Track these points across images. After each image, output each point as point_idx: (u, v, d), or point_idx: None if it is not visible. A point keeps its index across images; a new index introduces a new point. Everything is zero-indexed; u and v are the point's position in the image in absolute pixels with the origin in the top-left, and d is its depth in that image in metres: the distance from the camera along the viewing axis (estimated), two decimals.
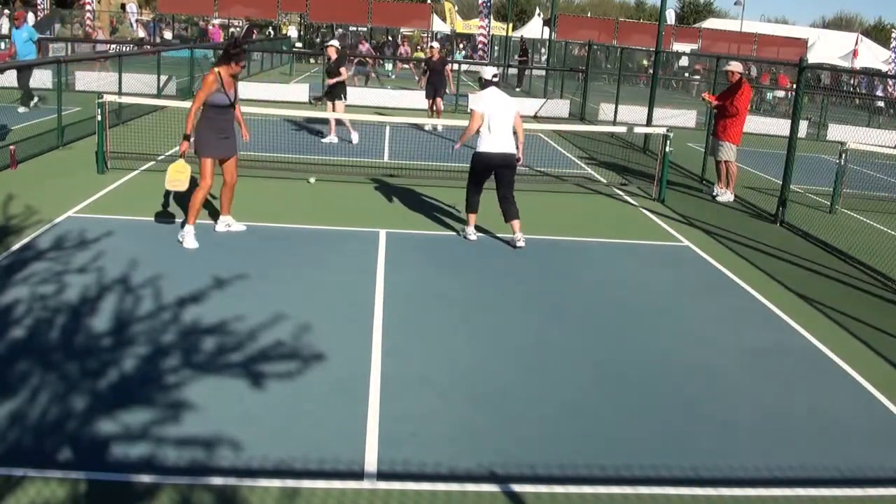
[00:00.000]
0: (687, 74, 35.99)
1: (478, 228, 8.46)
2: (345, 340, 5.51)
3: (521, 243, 8.11)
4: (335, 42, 14.51)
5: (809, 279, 7.92)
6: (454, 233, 8.56)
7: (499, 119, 8.13)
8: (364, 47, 32.22)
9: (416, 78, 15.17)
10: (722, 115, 11.39)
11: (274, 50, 31.83)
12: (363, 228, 8.42)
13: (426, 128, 15.66)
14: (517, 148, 8.25)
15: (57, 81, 12.75)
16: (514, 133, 8.31)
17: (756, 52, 39.17)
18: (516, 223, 8.21)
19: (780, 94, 29.08)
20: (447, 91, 16.58)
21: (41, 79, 17.60)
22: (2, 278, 6.24)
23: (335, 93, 13.58)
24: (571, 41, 33.39)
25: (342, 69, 13.62)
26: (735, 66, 11.53)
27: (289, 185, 10.35)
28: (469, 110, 8.47)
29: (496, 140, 8.13)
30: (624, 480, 4.06)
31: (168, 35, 34.94)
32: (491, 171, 8.24)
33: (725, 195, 11.64)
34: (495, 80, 8.43)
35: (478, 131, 8.21)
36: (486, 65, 11.82)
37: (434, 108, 16.11)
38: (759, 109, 27.65)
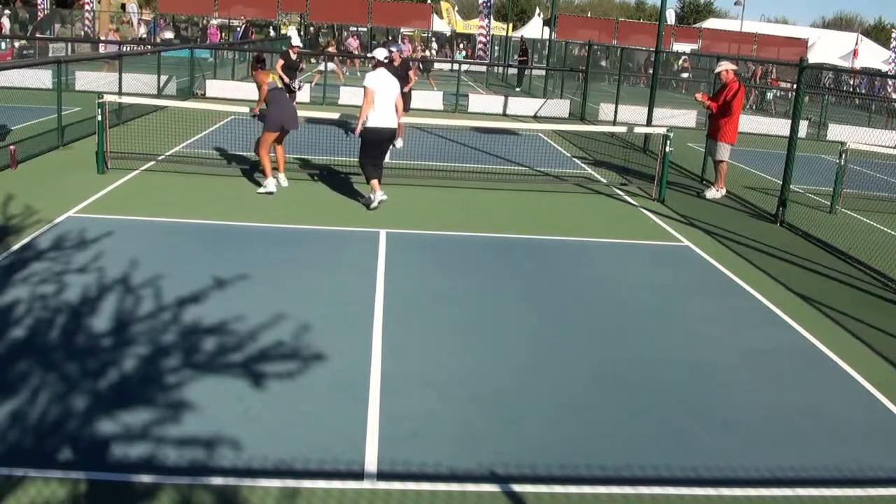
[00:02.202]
0: (680, 72, 35.98)
1: (478, 227, 8.46)
2: (345, 340, 5.51)
3: (375, 204, 9.09)
4: (396, 48, 14.91)
5: (809, 279, 7.92)
6: (455, 233, 8.56)
7: (385, 96, 9.08)
8: (354, 43, 32.30)
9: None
10: (716, 115, 11.38)
11: (274, 50, 31.81)
12: (363, 228, 8.42)
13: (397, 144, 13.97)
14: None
15: (57, 81, 12.75)
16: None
17: (756, 52, 39.19)
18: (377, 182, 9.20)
19: (771, 95, 29.03)
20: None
21: (41, 79, 17.62)
22: (2, 278, 6.24)
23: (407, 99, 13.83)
24: (571, 41, 33.39)
25: (410, 73, 13.86)
26: (727, 66, 11.50)
27: (289, 185, 10.34)
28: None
29: (384, 115, 9.09)
30: (624, 480, 4.07)
31: (170, 35, 34.96)
32: (383, 143, 9.30)
33: (711, 191, 11.64)
34: (385, 60, 9.35)
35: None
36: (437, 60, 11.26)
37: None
38: (761, 109, 27.65)
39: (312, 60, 33.26)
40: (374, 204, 9.10)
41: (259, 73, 10.05)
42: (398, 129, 13.76)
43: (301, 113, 15.10)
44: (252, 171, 10.88)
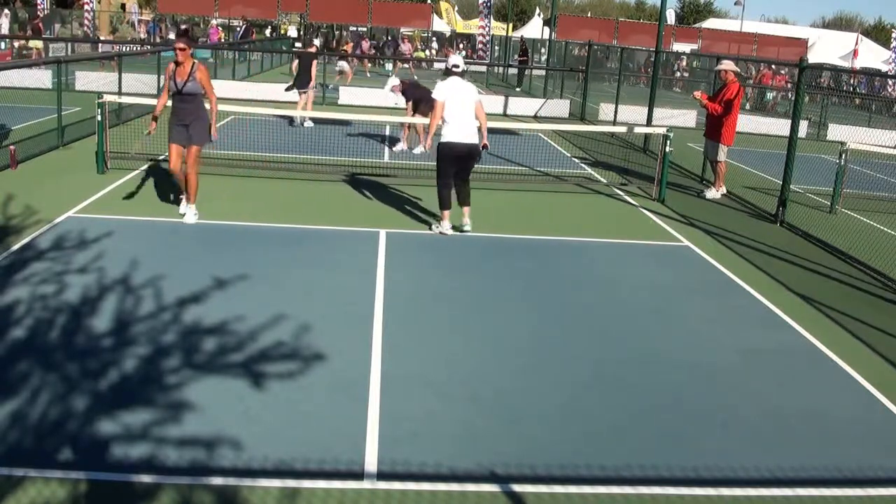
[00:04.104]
0: (680, 72, 36.05)
1: (477, 227, 8.46)
2: (345, 340, 5.51)
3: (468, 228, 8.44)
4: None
5: (809, 279, 7.92)
6: (454, 233, 8.56)
7: (459, 107, 8.28)
8: (366, 44, 32.32)
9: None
10: (714, 115, 11.36)
11: (274, 50, 31.84)
12: (363, 228, 8.42)
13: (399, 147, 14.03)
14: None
15: (57, 81, 12.75)
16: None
17: (756, 52, 39.18)
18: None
19: (770, 95, 29.04)
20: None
21: (41, 79, 17.61)
22: (2, 278, 6.24)
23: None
24: (571, 41, 33.40)
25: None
26: (728, 66, 11.48)
27: (289, 185, 10.35)
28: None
29: (459, 129, 8.27)
30: (624, 480, 4.07)
31: (172, 36, 34.95)
32: (457, 161, 8.39)
33: (711, 191, 11.65)
34: (457, 69, 8.47)
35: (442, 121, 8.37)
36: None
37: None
38: (761, 108, 27.66)
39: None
40: (436, 231, 8.45)
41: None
42: (418, 134, 13.68)
43: (301, 113, 15.16)
44: (252, 170, 10.89)
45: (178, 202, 8.55)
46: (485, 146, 8.53)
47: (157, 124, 8.34)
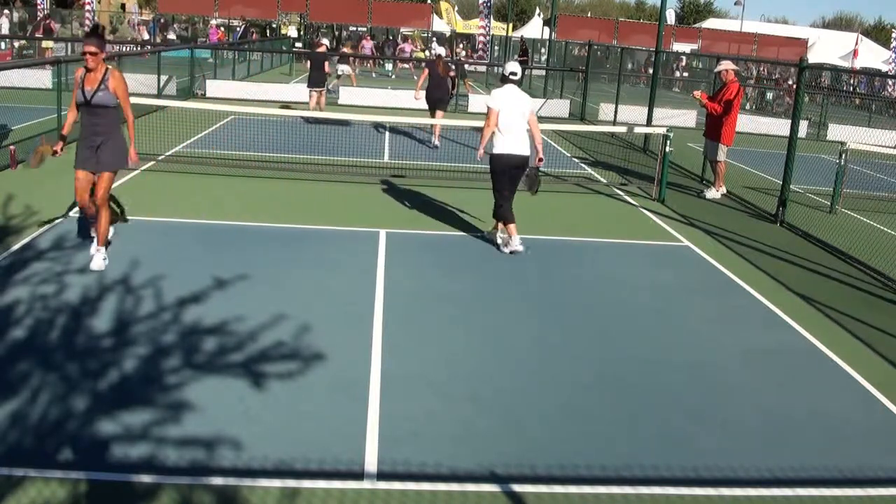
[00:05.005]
0: (678, 73, 36.06)
1: (476, 227, 8.45)
2: (345, 340, 5.51)
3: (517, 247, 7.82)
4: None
5: (809, 279, 7.92)
6: (455, 233, 8.56)
7: (512, 117, 7.76)
8: (368, 44, 32.30)
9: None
10: (714, 115, 11.36)
11: (274, 50, 31.84)
12: (363, 228, 8.42)
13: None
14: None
15: (57, 81, 12.74)
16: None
17: (756, 52, 39.19)
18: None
19: (770, 95, 29.03)
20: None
21: (41, 79, 17.60)
22: (2, 278, 6.24)
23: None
24: (571, 41, 33.40)
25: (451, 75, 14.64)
26: (728, 66, 11.47)
27: (289, 185, 10.35)
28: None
29: (511, 140, 7.78)
30: (624, 480, 4.07)
31: (171, 36, 34.97)
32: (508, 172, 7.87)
33: (711, 191, 11.65)
34: (514, 77, 7.89)
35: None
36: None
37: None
38: (761, 108, 27.65)
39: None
40: (507, 250, 7.84)
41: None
42: (433, 131, 14.07)
43: (300, 113, 15.16)
44: (252, 171, 10.88)
45: (178, 202, 8.54)
46: (540, 160, 8.05)
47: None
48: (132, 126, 6.89)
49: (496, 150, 7.82)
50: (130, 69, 17.97)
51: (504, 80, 7.95)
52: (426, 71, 14.39)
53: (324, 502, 3.71)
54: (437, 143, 14.16)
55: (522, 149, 7.83)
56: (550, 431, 4.51)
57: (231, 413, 4.41)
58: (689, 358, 5.72)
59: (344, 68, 21.98)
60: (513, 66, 7.97)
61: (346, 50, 24.72)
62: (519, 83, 7.93)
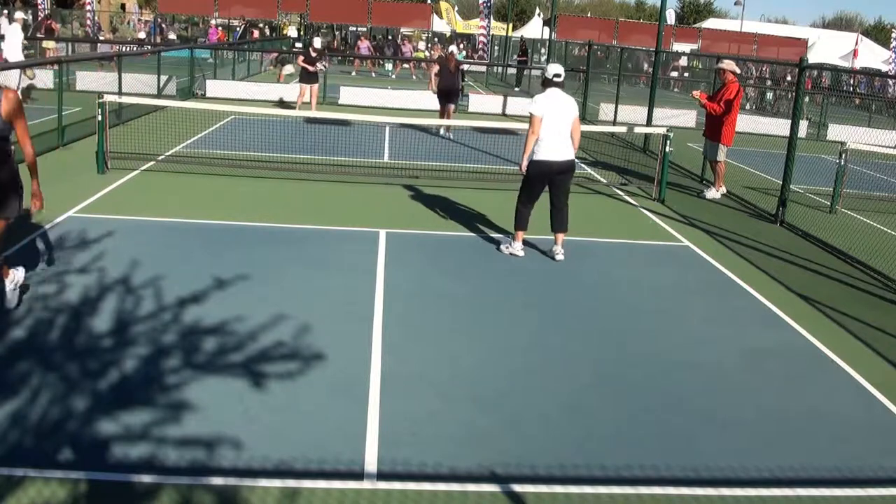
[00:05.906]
0: (676, 70, 36.09)
1: (477, 227, 8.45)
2: (345, 340, 5.51)
3: (506, 253, 7.79)
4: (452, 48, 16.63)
5: (809, 279, 7.92)
6: (455, 233, 8.56)
7: (556, 123, 7.45)
8: (364, 44, 32.29)
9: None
10: (713, 115, 11.35)
11: (273, 50, 31.83)
12: (363, 228, 8.42)
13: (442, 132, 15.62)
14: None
15: (58, 81, 12.75)
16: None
17: (756, 52, 39.18)
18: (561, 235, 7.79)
19: (770, 95, 29.03)
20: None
21: (41, 79, 17.61)
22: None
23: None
24: (571, 41, 33.38)
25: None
26: (728, 65, 11.45)
27: (289, 185, 10.35)
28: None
29: (554, 146, 7.49)
30: (624, 480, 4.07)
31: (172, 36, 34.98)
32: (552, 179, 7.64)
33: (711, 191, 11.64)
34: (557, 80, 7.52)
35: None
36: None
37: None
38: (761, 108, 27.64)
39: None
40: (506, 252, 7.79)
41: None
42: (444, 121, 14.69)
43: (302, 113, 15.15)
44: (252, 171, 10.88)
45: (178, 202, 8.55)
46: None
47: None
48: (34, 161, 5.44)
49: (537, 157, 7.52)
50: (131, 69, 18.00)
51: (546, 83, 7.60)
52: (436, 66, 15.63)
53: (324, 502, 3.71)
54: (449, 134, 15.10)
55: (567, 153, 7.55)
56: (550, 431, 4.51)
57: (231, 413, 4.41)
58: (689, 358, 5.72)
59: (288, 68, 22.72)
60: (556, 69, 7.61)
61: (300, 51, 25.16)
62: (562, 86, 7.52)
